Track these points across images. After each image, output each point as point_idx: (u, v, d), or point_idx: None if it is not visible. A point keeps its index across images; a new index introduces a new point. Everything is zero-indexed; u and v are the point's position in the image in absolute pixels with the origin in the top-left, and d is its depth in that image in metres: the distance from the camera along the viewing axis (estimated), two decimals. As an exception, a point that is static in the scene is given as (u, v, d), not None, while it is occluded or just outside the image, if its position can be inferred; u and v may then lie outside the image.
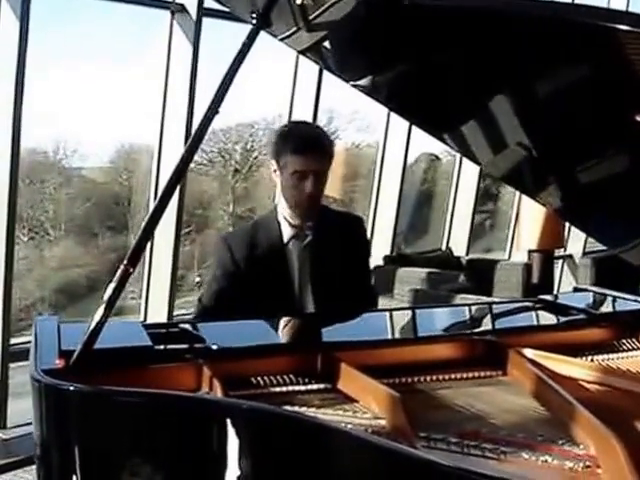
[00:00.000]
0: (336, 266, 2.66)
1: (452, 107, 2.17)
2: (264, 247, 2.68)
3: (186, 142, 2.04)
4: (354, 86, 2.30)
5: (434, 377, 2.12)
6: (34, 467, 4.00)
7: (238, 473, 1.66)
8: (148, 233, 2.02)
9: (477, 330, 2.54)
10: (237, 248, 2.67)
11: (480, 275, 6.02)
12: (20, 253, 5.11)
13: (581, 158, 2.02)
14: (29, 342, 4.78)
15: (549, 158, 2.10)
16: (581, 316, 2.61)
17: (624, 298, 2.77)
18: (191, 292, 7.17)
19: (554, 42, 1.74)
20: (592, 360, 2.26)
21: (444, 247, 7.54)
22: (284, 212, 2.68)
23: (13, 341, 4.64)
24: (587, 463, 1.65)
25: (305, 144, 2.59)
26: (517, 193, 7.80)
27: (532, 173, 2.19)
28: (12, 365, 4.57)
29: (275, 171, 2.66)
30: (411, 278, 5.74)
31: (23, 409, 4.38)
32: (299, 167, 2.58)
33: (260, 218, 2.84)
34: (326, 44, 2.33)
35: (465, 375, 2.14)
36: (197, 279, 7.35)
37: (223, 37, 5.52)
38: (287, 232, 2.68)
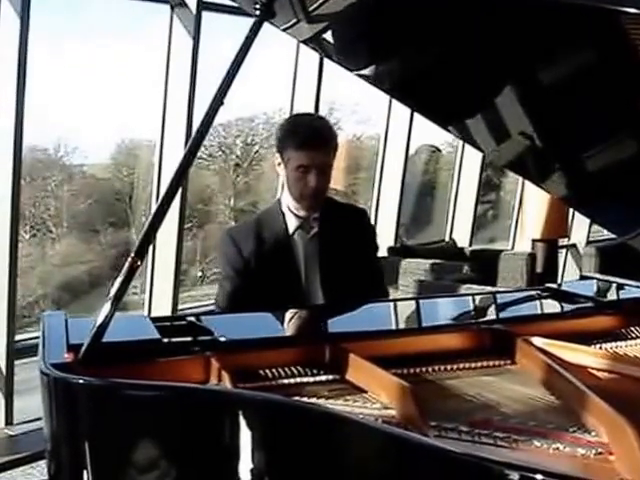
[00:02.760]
0: (343, 257, 2.66)
1: (456, 94, 2.16)
2: (270, 239, 2.68)
3: (189, 134, 2.04)
4: (357, 75, 2.29)
5: (443, 367, 2.11)
6: (41, 463, 4.03)
7: (251, 466, 1.66)
8: (155, 225, 2.02)
9: (485, 319, 2.54)
10: (243, 242, 2.67)
11: (484, 265, 6.00)
12: (22, 251, 5.10)
13: (588, 144, 2.01)
14: (32, 339, 4.78)
15: (555, 145, 2.10)
16: (589, 304, 2.62)
17: (631, 285, 2.76)
18: (194, 287, 7.17)
19: (559, 27, 1.73)
20: (600, 348, 2.25)
21: (447, 238, 7.52)
22: (289, 204, 2.69)
23: (16, 338, 4.63)
24: (599, 450, 1.64)
25: (308, 139, 2.59)
26: (519, 183, 7.80)
27: (538, 160, 2.18)
28: (15, 362, 4.56)
29: (279, 164, 2.67)
30: (415, 269, 5.73)
31: (25, 406, 4.39)
32: (302, 162, 2.59)
33: (263, 211, 2.86)
34: (328, 34, 2.32)
35: (474, 365, 2.14)
36: (199, 274, 7.35)
37: (223, 31, 5.52)
38: (292, 223, 2.69)
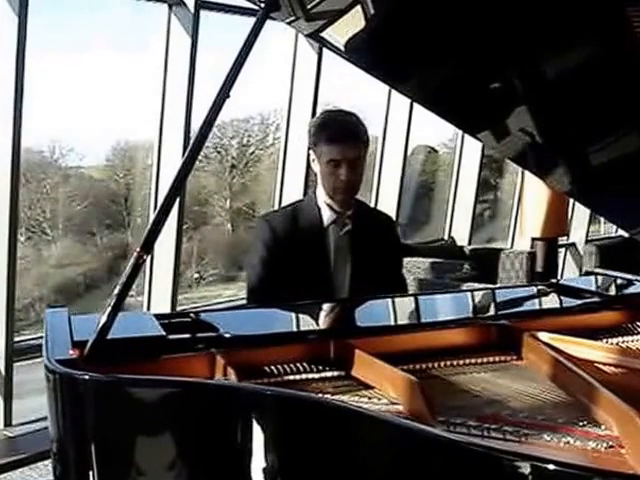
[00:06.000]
0: (372, 257, 2.71)
1: (461, 89, 2.15)
2: (305, 228, 2.74)
3: (188, 134, 2.03)
4: (360, 67, 2.27)
5: (449, 363, 2.11)
6: (40, 464, 4.00)
7: (264, 463, 1.65)
8: (162, 218, 2.03)
9: (491, 315, 2.54)
10: (279, 227, 2.72)
11: (484, 264, 6.00)
12: (18, 252, 5.08)
13: (596, 137, 2.00)
14: (28, 340, 4.74)
15: (563, 138, 2.09)
16: (594, 299, 2.61)
17: (636, 280, 2.76)
18: (190, 288, 7.16)
19: (563, 19, 1.73)
20: (607, 343, 2.24)
21: (446, 237, 7.51)
22: (324, 198, 2.74)
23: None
24: (610, 443, 1.63)
25: (338, 133, 2.65)
26: (517, 182, 7.79)
27: (546, 154, 2.17)
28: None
29: (313, 160, 2.74)
30: (415, 268, 5.73)
31: (22, 408, 4.38)
32: (333, 156, 2.65)
33: (299, 203, 2.90)
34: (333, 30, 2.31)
35: (480, 360, 2.13)
36: (195, 275, 7.34)
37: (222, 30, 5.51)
38: (327, 217, 2.74)
